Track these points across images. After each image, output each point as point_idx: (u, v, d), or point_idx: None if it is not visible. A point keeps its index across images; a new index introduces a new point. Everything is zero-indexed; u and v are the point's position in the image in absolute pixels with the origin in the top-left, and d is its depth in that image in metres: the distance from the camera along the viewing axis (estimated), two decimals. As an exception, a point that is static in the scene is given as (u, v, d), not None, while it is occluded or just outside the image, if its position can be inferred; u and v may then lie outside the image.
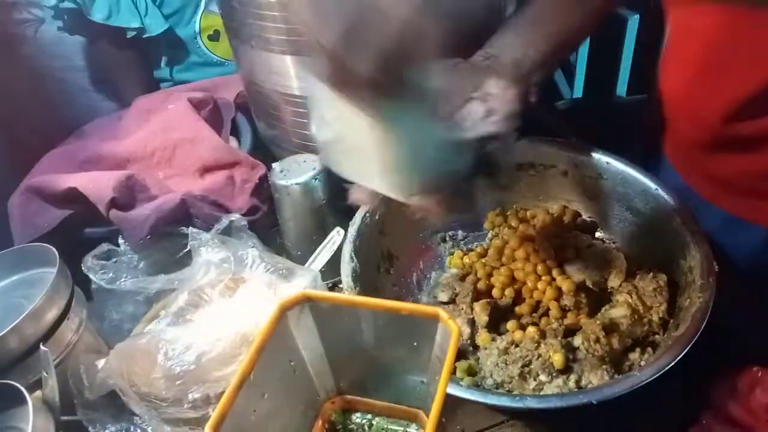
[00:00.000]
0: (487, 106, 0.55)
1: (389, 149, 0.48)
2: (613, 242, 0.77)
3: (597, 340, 0.63)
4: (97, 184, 0.79)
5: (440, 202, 0.52)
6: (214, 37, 1.39)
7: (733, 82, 0.64)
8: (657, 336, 0.65)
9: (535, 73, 0.61)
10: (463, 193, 0.56)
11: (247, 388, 0.43)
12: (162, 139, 0.90)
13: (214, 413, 0.41)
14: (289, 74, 0.80)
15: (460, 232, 0.85)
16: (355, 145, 0.49)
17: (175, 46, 1.40)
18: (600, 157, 0.76)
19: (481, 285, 0.73)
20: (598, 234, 0.78)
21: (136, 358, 0.57)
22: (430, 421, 0.39)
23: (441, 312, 0.45)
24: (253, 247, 0.75)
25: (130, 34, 1.32)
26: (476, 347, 0.69)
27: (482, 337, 0.68)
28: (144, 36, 1.34)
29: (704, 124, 0.69)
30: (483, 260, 0.77)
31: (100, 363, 0.57)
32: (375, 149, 0.48)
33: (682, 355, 0.55)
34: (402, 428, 0.51)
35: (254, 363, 0.44)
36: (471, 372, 0.66)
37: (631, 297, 0.66)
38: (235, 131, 1.00)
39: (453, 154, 0.53)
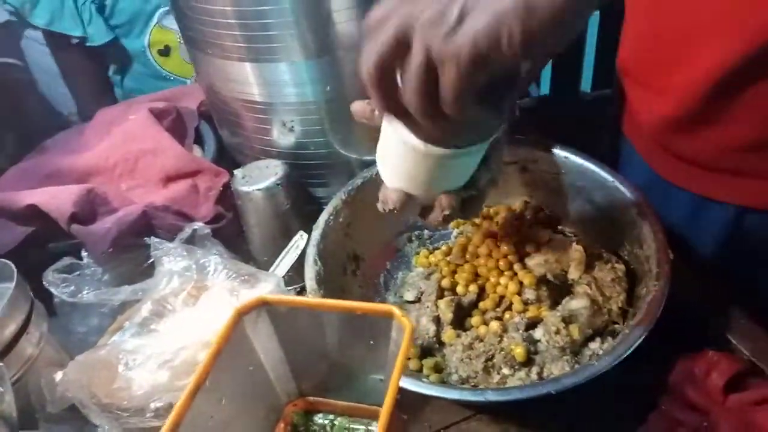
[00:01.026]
0: None
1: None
2: (574, 235, 0.78)
3: (558, 332, 0.64)
4: (57, 200, 0.78)
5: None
6: (165, 52, 1.39)
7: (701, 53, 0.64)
8: (617, 325, 0.66)
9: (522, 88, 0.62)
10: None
11: (204, 394, 0.44)
12: (123, 151, 0.89)
13: (168, 420, 0.41)
14: (248, 81, 0.81)
15: (425, 232, 0.85)
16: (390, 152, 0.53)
17: (122, 57, 1.39)
18: (558, 152, 0.77)
19: (445, 282, 0.73)
20: (559, 227, 0.79)
21: (96, 370, 0.57)
22: (382, 415, 0.40)
23: (395, 309, 0.46)
24: (216, 254, 0.75)
25: (73, 41, 1.31)
26: (442, 344, 0.69)
27: (447, 333, 0.69)
28: (87, 45, 1.33)
29: (675, 99, 0.70)
30: (447, 258, 0.78)
31: (58, 376, 0.56)
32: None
33: (638, 343, 0.57)
34: (364, 427, 0.52)
35: (209, 369, 0.44)
36: (437, 369, 0.67)
37: (591, 288, 0.67)
38: (199, 140, 1.00)
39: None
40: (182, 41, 1.27)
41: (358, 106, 0.55)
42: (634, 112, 0.82)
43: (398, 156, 0.52)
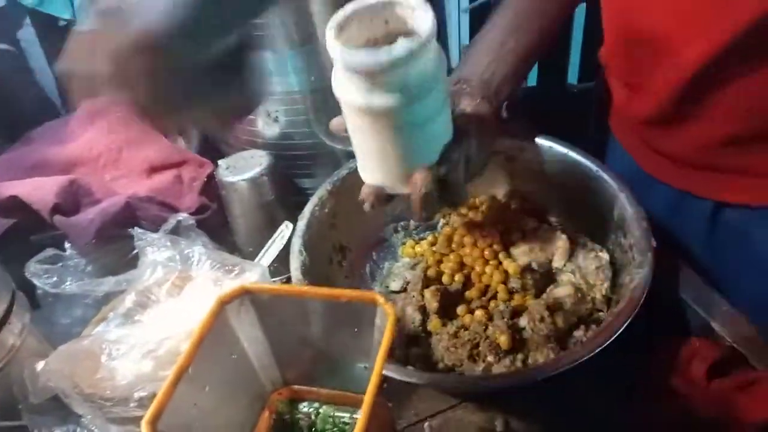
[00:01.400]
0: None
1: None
2: (559, 224, 0.78)
3: (542, 320, 0.64)
4: (39, 191, 0.78)
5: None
6: None
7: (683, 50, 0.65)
8: (601, 313, 0.67)
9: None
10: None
11: (186, 382, 0.44)
12: (107, 141, 0.89)
13: (151, 408, 0.41)
14: (232, 71, 0.80)
15: (411, 222, 0.85)
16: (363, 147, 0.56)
17: None
18: (543, 143, 0.77)
19: (430, 272, 0.73)
20: (544, 217, 0.80)
21: (79, 360, 0.56)
22: (366, 402, 0.40)
23: (378, 297, 0.46)
24: (200, 244, 0.75)
25: (61, 23, 1.29)
26: (428, 333, 0.69)
27: (433, 323, 0.69)
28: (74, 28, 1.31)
29: (652, 97, 0.70)
30: (433, 248, 0.78)
31: (40, 366, 0.56)
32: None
33: (621, 330, 0.57)
34: (349, 414, 0.52)
35: (192, 357, 0.44)
36: (423, 358, 0.67)
37: (575, 276, 0.68)
38: (182, 131, 0.99)
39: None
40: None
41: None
42: (616, 107, 0.82)
43: (362, 133, 0.54)
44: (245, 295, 0.48)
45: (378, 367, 0.42)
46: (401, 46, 0.46)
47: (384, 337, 0.44)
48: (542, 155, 0.77)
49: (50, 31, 1.34)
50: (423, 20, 0.48)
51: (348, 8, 0.50)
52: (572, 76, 1.61)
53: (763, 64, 0.59)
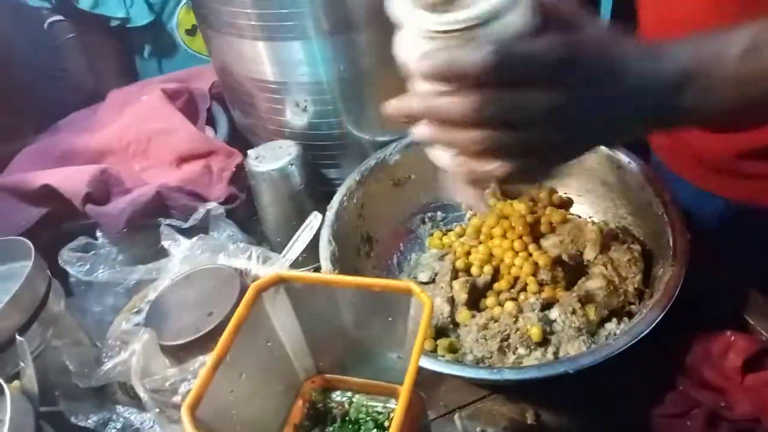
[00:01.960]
0: None
1: None
2: (589, 216, 0.78)
3: (573, 312, 0.64)
4: (71, 180, 0.79)
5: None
6: (192, 32, 1.38)
7: None
8: (633, 306, 0.66)
9: None
10: None
11: (224, 368, 0.44)
12: (137, 131, 0.89)
13: (191, 394, 0.41)
14: (261, 60, 0.80)
15: (439, 213, 0.85)
16: None
17: (160, 39, 1.39)
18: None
19: (459, 263, 0.73)
20: (573, 209, 0.79)
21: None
22: (403, 392, 0.40)
23: (413, 286, 0.46)
24: (231, 235, 0.75)
25: (114, 23, 1.31)
26: (456, 325, 0.69)
27: (462, 314, 0.69)
28: (128, 26, 1.32)
29: None
30: (461, 239, 0.78)
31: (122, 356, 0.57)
32: None
33: (655, 323, 0.56)
34: (381, 404, 0.52)
35: (230, 344, 0.44)
36: (452, 349, 0.67)
37: (607, 269, 0.67)
38: (210, 121, 1.00)
39: None
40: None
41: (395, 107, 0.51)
42: None
43: None
44: (280, 283, 0.48)
45: (415, 356, 0.42)
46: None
47: (420, 326, 0.44)
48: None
49: (91, 32, 1.35)
50: None
51: None
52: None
53: None
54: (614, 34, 0.45)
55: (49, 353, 0.60)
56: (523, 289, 0.70)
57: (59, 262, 0.69)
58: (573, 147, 0.46)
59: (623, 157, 0.72)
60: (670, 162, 0.79)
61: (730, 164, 0.71)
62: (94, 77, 1.35)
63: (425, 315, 0.44)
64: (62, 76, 1.33)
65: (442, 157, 0.49)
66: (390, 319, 0.49)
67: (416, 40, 0.45)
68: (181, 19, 1.37)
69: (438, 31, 0.43)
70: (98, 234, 0.76)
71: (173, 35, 1.38)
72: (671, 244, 0.63)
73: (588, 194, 0.78)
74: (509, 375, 0.55)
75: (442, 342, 0.67)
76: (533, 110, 0.41)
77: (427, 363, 0.57)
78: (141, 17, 1.32)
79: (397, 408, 0.40)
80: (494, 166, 0.44)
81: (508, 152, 0.43)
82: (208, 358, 0.44)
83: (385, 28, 0.75)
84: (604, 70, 0.43)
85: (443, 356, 0.66)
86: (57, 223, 0.81)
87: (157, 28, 1.37)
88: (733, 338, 0.59)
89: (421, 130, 0.46)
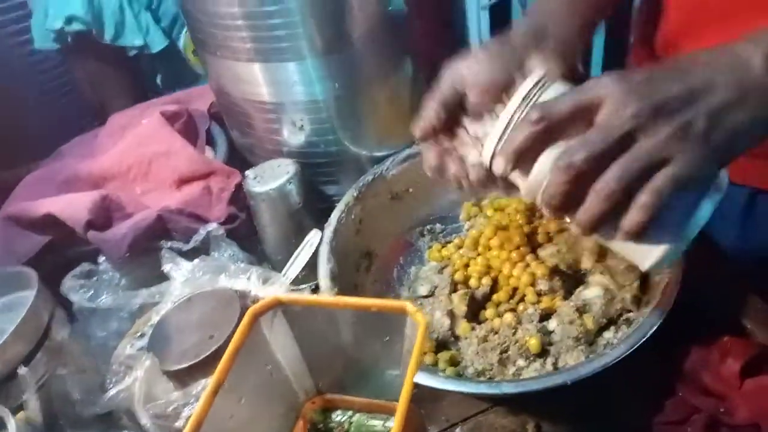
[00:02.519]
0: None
1: None
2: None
3: (571, 322, 0.64)
4: (73, 208, 0.80)
5: None
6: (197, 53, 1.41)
7: None
8: (631, 314, 0.66)
9: (581, 44, 0.60)
10: None
11: (223, 394, 0.45)
12: (137, 155, 0.90)
13: (190, 420, 0.42)
14: (257, 82, 0.81)
15: (438, 225, 0.85)
16: None
17: (173, 62, 1.41)
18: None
19: (458, 276, 0.74)
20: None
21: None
22: (399, 411, 0.40)
23: (408, 306, 0.47)
24: (232, 255, 0.76)
25: (132, 52, 1.33)
26: (457, 338, 0.70)
27: (462, 327, 0.69)
28: (145, 53, 1.34)
29: None
30: (460, 251, 0.78)
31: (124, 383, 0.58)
32: None
33: (653, 330, 0.57)
34: (382, 422, 0.52)
35: (228, 369, 0.45)
36: (453, 362, 0.67)
37: (604, 277, 0.67)
38: (210, 141, 1.01)
39: None
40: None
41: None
42: None
43: None
44: (278, 306, 0.49)
45: (409, 377, 0.42)
46: None
47: (414, 346, 0.44)
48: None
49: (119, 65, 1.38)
50: None
51: None
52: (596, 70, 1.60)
53: None
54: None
55: (54, 382, 0.61)
56: (522, 299, 0.71)
57: (62, 289, 0.70)
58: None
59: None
60: None
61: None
62: (103, 105, 1.37)
63: (420, 335, 0.45)
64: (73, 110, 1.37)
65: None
66: (387, 338, 0.50)
67: None
68: (187, 41, 1.39)
69: None
70: (100, 260, 0.77)
71: (184, 56, 1.40)
72: (667, 250, 0.64)
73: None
74: (507, 388, 0.55)
75: (443, 355, 0.67)
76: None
77: (425, 379, 0.57)
78: (158, 43, 1.34)
79: (393, 427, 0.41)
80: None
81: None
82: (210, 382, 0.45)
83: (377, 46, 0.77)
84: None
85: (444, 370, 0.66)
86: (60, 250, 0.82)
87: (171, 53, 1.39)
88: (731, 344, 0.59)
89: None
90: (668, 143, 0.41)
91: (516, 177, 0.50)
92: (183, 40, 1.39)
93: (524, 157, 0.47)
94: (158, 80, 1.46)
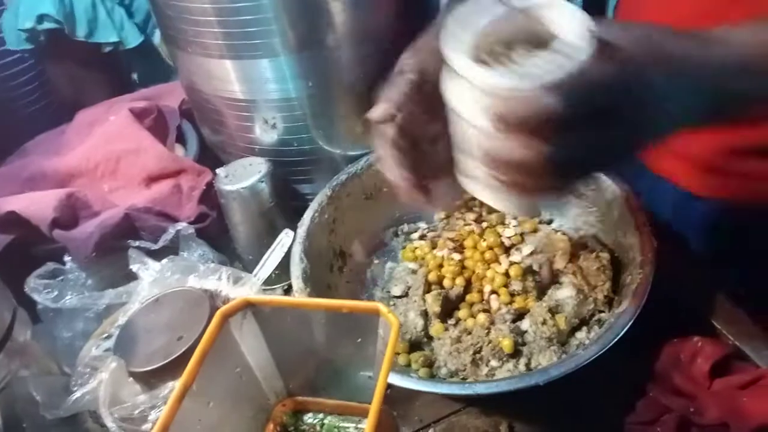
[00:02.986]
0: None
1: None
2: (559, 225, 0.78)
3: (544, 322, 0.64)
4: (38, 206, 0.78)
5: None
6: None
7: None
8: (603, 314, 0.66)
9: None
10: None
11: (191, 398, 0.43)
12: (105, 152, 0.88)
13: (157, 424, 0.41)
14: (229, 79, 0.80)
15: (411, 225, 0.85)
16: None
17: (149, 58, 1.38)
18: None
19: (431, 276, 0.73)
20: (543, 216, 0.79)
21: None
22: (371, 413, 0.40)
23: (381, 307, 0.46)
24: (202, 255, 0.75)
25: (106, 49, 1.31)
26: (431, 338, 0.69)
27: (435, 327, 0.69)
28: (120, 49, 1.32)
29: None
30: (434, 251, 0.78)
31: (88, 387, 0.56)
32: None
33: (624, 330, 0.57)
34: (354, 425, 0.52)
35: (196, 373, 0.44)
36: (427, 363, 0.67)
37: (576, 277, 0.68)
38: (180, 138, 0.99)
39: None
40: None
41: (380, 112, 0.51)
42: None
43: None
44: (247, 307, 0.48)
45: (382, 378, 0.42)
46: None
47: (387, 347, 0.44)
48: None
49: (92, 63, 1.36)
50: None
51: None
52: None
53: None
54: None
55: (16, 384, 0.59)
56: (495, 300, 0.71)
57: (26, 289, 0.68)
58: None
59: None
60: (651, 161, 0.79)
61: (721, 162, 0.72)
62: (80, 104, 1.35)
63: (393, 335, 0.44)
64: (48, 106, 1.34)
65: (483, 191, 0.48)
66: (359, 339, 0.49)
67: (475, 93, 0.42)
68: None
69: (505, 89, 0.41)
70: (66, 259, 0.75)
71: (160, 52, 1.38)
72: (639, 251, 0.64)
73: (556, 202, 0.79)
74: (480, 389, 0.55)
75: (417, 356, 0.67)
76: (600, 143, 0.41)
77: (399, 380, 0.57)
78: (133, 38, 1.32)
79: (365, 429, 0.40)
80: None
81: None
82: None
83: (352, 43, 0.77)
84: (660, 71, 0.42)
85: (417, 371, 0.66)
86: (24, 249, 0.80)
87: (146, 49, 1.37)
88: (700, 344, 0.59)
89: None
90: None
91: None
92: (158, 35, 1.37)
93: None
94: (135, 77, 1.44)
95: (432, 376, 0.66)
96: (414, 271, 0.77)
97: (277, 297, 0.52)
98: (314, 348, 0.52)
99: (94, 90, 1.40)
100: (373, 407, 0.41)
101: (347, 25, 0.76)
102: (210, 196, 0.86)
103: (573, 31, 0.42)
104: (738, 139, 0.68)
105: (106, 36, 1.30)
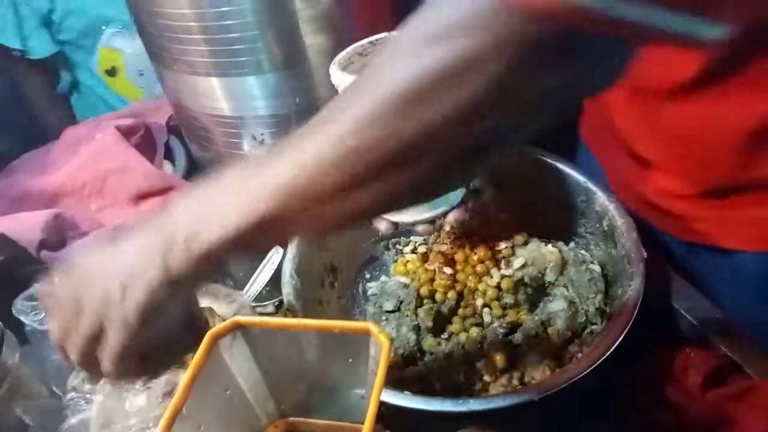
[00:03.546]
0: None
1: None
2: (549, 237, 0.78)
3: (536, 336, 0.64)
4: (25, 227, 0.77)
5: None
6: (112, 72, 1.38)
7: None
8: (595, 326, 0.66)
9: None
10: None
11: (180, 422, 0.43)
12: (91, 171, 0.88)
13: (146, 453, 0.40)
14: (216, 96, 0.80)
15: (402, 239, 0.85)
16: None
17: (78, 74, 1.37)
18: (530, 154, 0.77)
19: (423, 290, 0.73)
20: (533, 231, 0.79)
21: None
22: (363, 436, 0.39)
23: (371, 327, 0.45)
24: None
25: (15, 53, 1.29)
26: (423, 352, 0.69)
27: (428, 342, 0.69)
28: (27, 57, 1.30)
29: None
30: (425, 265, 0.78)
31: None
32: None
33: (616, 343, 0.57)
34: (346, 445, 0.51)
35: (186, 396, 0.43)
36: (420, 378, 0.66)
37: (568, 290, 0.68)
38: (169, 155, 0.99)
39: None
40: (128, 62, 1.28)
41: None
42: (590, 126, 0.82)
43: None
44: (237, 329, 0.48)
45: (374, 399, 0.41)
46: None
47: (379, 368, 0.43)
48: (529, 167, 0.77)
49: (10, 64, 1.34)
50: None
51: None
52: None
53: None
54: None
55: (4, 410, 0.58)
56: (488, 313, 0.70)
57: (13, 311, 0.67)
58: None
59: (580, 177, 0.73)
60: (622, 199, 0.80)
61: (672, 205, 0.72)
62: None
63: (384, 356, 0.44)
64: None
65: None
66: (350, 360, 0.49)
67: None
68: (101, 58, 1.36)
69: None
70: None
71: (87, 72, 1.37)
72: (628, 262, 0.64)
73: (547, 214, 0.79)
74: (474, 406, 0.55)
75: (410, 371, 0.67)
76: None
77: (392, 398, 0.56)
78: (41, 49, 1.30)
79: (358, 453, 0.40)
80: None
81: None
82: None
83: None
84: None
85: (410, 386, 0.65)
86: (11, 270, 0.79)
87: (71, 63, 1.36)
88: (692, 355, 0.60)
89: None
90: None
91: None
92: (97, 57, 1.35)
93: None
94: (58, 90, 1.41)
95: (426, 392, 0.65)
96: (406, 286, 0.76)
97: (267, 319, 0.51)
98: (305, 368, 0.51)
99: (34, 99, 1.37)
100: (366, 428, 0.40)
101: (330, 41, 0.76)
102: (199, 213, 0.85)
103: None
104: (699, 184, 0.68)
105: (9, 40, 1.28)
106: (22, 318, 0.67)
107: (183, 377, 0.45)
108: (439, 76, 0.34)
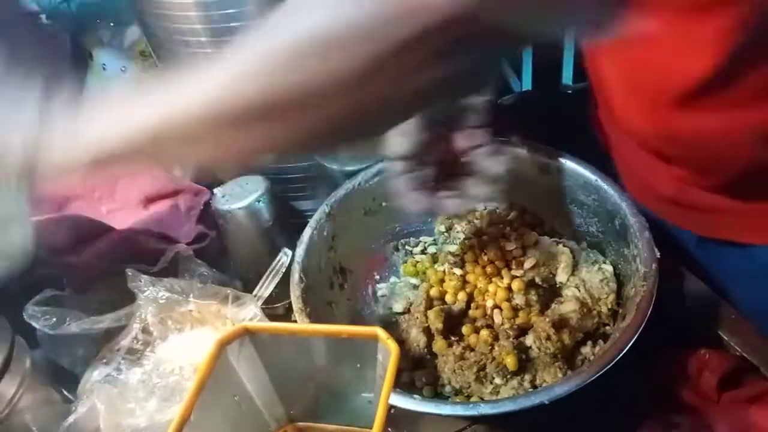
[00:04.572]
0: None
1: None
2: (560, 236, 0.77)
3: (548, 338, 0.63)
4: (35, 231, 0.77)
5: None
6: None
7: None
8: (607, 327, 0.66)
9: None
10: None
11: (188, 429, 0.43)
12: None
13: (154, 461, 0.40)
14: (224, 98, 0.79)
15: (412, 240, 0.84)
16: None
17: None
18: (542, 152, 0.76)
19: (433, 292, 0.72)
20: (544, 229, 0.79)
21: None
22: (371, 444, 0.39)
23: (380, 332, 0.45)
24: (201, 275, 0.74)
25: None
26: (434, 355, 0.69)
27: (438, 344, 0.68)
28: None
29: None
30: (435, 266, 0.77)
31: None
32: None
33: (629, 345, 0.56)
34: (356, 450, 0.51)
35: (194, 403, 0.44)
36: (430, 380, 0.66)
37: (579, 291, 0.67)
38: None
39: None
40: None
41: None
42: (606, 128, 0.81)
43: None
44: (245, 334, 0.48)
45: (382, 405, 0.41)
46: None
47: (387, 373, 0.43)
48: (541, 165, 0.76)
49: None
50: None
51: None
52: (567, 77, 1.59)
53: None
54: None
55: (16, 416, 0.59)
56: (498, 314, 0.70)
57: (25, 316, 0.67)
58: None
59: (591, 176, 0.72)
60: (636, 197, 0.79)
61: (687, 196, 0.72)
62: None
63: (392, 362, 0.43)
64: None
65: None
66: (359, 365, 0.48)
67: None
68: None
69: None
70: (64, 284, 0.74)
71: None
72: (641, 262, 0.63)
73: (559, 213, 0.78)
74: (484, 409, 0.54)
75: (420, 373, 0.66)
76: None
77: (402, 401, 0.56)
78: None
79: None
80: None
81: None
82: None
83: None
84: None
85: (421, 389, 0.65)
86: (22, 275, 0.79)
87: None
88: (707, 356, 0.59)
89: None
90: None
91: None
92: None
93: None
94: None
95: (436, 394, 0.65)
96: (416, 287, 0.76)
97: (275, 324, 0.51)
98: (314, 373, 0.51)
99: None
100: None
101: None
102: (208, 215, 0.85)
103: None
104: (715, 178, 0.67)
105: None
106: (33, 323, 0.67)
107: (191, 383, 0.45)
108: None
